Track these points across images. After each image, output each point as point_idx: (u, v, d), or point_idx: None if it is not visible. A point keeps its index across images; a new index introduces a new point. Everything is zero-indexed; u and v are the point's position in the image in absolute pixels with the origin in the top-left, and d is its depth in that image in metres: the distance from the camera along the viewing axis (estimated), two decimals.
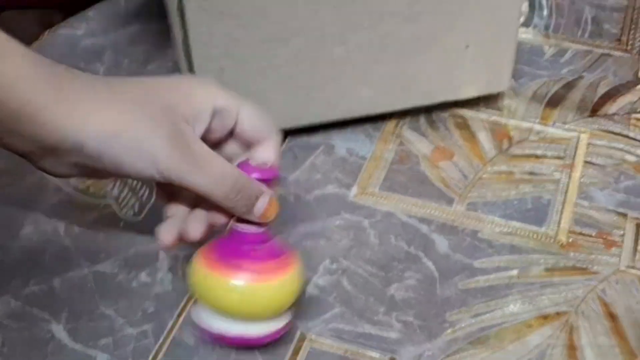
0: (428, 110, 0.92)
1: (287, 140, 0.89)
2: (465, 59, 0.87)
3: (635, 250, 0.77)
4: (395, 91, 0.88)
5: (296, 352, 0.70)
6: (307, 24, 0.80)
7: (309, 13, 0.79)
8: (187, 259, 0.76)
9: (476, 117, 0.92)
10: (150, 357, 0.69)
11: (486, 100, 0.93)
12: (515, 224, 0.80)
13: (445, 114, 0.92)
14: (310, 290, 0.75)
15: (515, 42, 0.88)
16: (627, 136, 0.89)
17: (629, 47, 1.01)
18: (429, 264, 0.77)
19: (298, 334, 0.71)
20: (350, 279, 0.76)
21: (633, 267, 0.76)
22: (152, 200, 0.82)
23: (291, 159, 0.88)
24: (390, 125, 0.91)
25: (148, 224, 0.80)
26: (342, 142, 0.89)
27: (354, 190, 0.84)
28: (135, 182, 0.84)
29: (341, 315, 0.73)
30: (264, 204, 0.64)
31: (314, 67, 0.83)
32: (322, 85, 0.85)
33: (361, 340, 0.71)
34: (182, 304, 0.73)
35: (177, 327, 0.71)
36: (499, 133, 0.90)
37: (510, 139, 0.89)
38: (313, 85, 0.84)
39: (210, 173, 0.60)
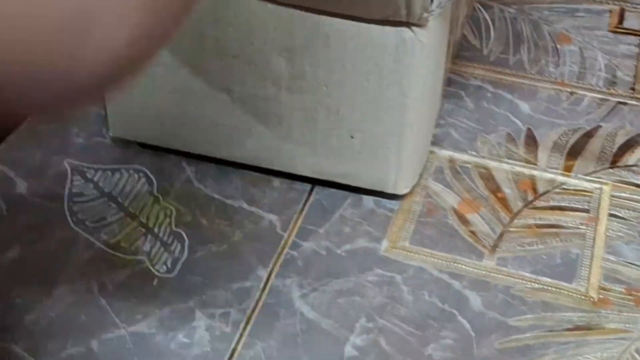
0: (451, 160, 0.93)
1: (314, 192, 0.90)
2: (350, 148, 0.84)
3: None
4: (282, 154, 0.87)
5: None
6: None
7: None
8: (224, 317, 0.76)
9: (499, 167, 0.93)
10: None
11: (508, 151, 0.94)
12: (546, 279, 0.81)
13: (468, 165, 0.93)
14: (348, 351, 0.75)
15: (412, 149, 0.85)
16: None
17: None
18: (464, 322, 0.78)
19: None
20: (387, 338, 0.76)
21: None
22: (185, 255, 0.82)
23: (320, 210, 0.88)
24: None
25: (182, 280, 0.80)
26: (369, 195, 0.90)
27: (385, 244, 0.85)
28: (167, 236, 0.84)
29: None
30: None
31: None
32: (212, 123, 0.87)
33: None
34: None
35: None
36: (523, 184, 0.91)
37: (534, 190, 0.91)
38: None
39: None
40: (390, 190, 0.86)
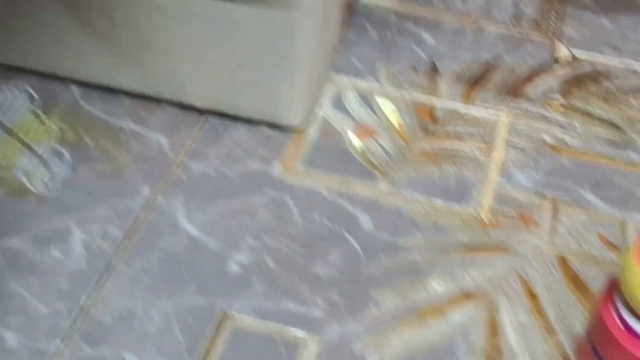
0: (351, 88, 0.92)
1: (209, 118, 0.87)
2: (239, 78, 0.82)
3: (553, 230, 0.78)
4: (172, 84, 0.85)
5: (217, 331, 0.68)
6: None
7: None
8: (103, 234, 0.73)
9: (400, 95, 0.92)
10: (64, 337, 0.66)
11: (410, 79, 0.93)
12: (438, 202, 0.80)
13: (368, 93, 0.91)
14: (232, 267, 0.73)
15: (305, 78, 0.82)
16: (545, 118, 0.90)
17: (546, 31, 1.02)
18: (353, 241, 0.76)
19: (220, 313, 0.69)
20: (274, 256, 0.74)
21: (552, 247, 0.77)
22: (66, 173, 0.78)
23: (213, 135, 0.85)
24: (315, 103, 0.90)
25: (61, 198, 0.76)
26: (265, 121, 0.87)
27: (277, 166, 0.82)
28: (47, 154, 0.80)
29: (264, 293, 0.71)
30: None
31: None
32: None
33: (285, 318, 0.69)
34: (98, 281, 0.70)
35: (93, 305, 0.68)
36: (422, 112, 0.90)
37: (433, 118, 0.89)
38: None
39: None
40: (283, 121, 0.84)
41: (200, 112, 0.86)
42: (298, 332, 0.68)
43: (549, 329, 0.70)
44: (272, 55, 0.79)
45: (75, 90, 0.87)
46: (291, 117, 0.84)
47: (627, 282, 0.60)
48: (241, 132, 0.85)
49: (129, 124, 0.84)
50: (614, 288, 0.63)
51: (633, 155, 0.86)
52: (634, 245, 0.60)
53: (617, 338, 0.62)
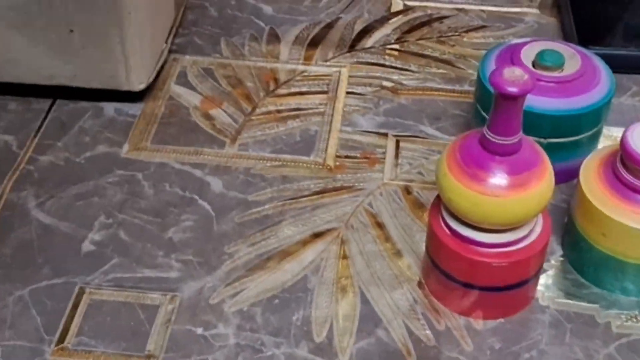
0: (194, 64, 0.94)
1: (52, 109, 0.88)
2: (71, 44, 0.81)
3: (396, 164, 0.82)
4: (3, 65, 0.83)
5: (75, 306, 0.69)
6: None
7: None
8: None
9: (242, 64, 0.94)
10: None
11: (251, 49, 0.96)
12: (285, 156, 0.83)
13: (212, 66, 0.94)
14: (86, 246, 0.74)
15: (139, 39, 0.82)
16: (383, 65, 0.94)
17: None
18: (205, 204, 0.78)
19: (76, 289, 0.70)
20: (127, 230, 0.76)
21: (395, 179, 0.81)
22: None
23: (58, 126, 0.86)
24: (159, 82, 0.92)
25: None
26: (110, 104, 0.89)
27: (126, 147, 0.84)
28: None
29: (119, 265, 0.73)
30: None
31: None
32: None
33: (142, 284, 0.71)
34: None
35: None
36: (265, 76, 0.93)
37: (276, 80, 0.92)
38: None
39: None
40: (123, 87, 0.85)
41: (49, 97, 0.87)
42: (154, 295, 0.70)
43: (396, 253, 0.74)
44: (101, 13, 0.79)
45: None
46: (132, 81, 0.84)
47: (441, 188, 0.64)
48: (87, 120, 0.87)
49: None
50: (439, 199, 0.67)
51: (467, 87, 0.91)
52: (446, 151, 0.64)
53: (444, 243, 0.65)
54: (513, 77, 0.58)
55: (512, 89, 0.58)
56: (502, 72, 0.59)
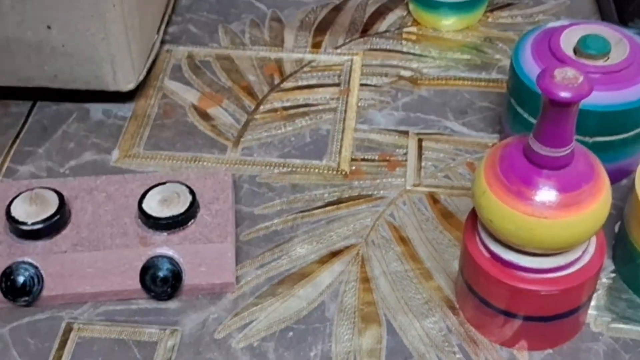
0: (189, 56, 0.85)
1: (33, 112, 0.79)
2: (50, 41, 0.72)
3: (419, 167, 0.73)
4: None
5: (62, 345, 0.61)
6: None
7: None
8: None
9: (243, 55, 0.85)
10: None
11: (253, 37, 0.86)
12: (295, 161, 0.74)
13: (209, 58, 0.84)
14: None
15: (125, 34, 0.73)
16: (400, 51, 0.85)
17: None
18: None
19: (63, 325, 0.62)
20: None
21: (419, 185, 0.72)
22: None
23: (39, 131, 0.77)
24: (151, 79, 0.82)
25: None
26: (97, 105, 0.79)
27: (115, 154, 0.75)
28: None
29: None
30: None
31: None
32: None
33: (137, 317, 0.62)
34: None
35: None
36: (269, 68, 0.83)
37: (281, 73, 0.83)
38: None
39: None
40: (110, 88, 0.76)
41: (29, 99, 0.78)
42: (152, 329, 0.62)
43: (425, 273, 0.65)
44: (81, 6, 0.70)
45: None
46: (119, 81, 0.75)
47: (480, 207, 0.55)
48: (72, 124, 0.78)
49: None
50: (475, 215, 0.58)
51: (495, 74, 0.82)
52: (484, 163, 0.55)
53: (482, 267, 0.56)
54: (566, 80, 0.49)
55: (566, 95, 0.49)
56: (553, 73, 0.50)
